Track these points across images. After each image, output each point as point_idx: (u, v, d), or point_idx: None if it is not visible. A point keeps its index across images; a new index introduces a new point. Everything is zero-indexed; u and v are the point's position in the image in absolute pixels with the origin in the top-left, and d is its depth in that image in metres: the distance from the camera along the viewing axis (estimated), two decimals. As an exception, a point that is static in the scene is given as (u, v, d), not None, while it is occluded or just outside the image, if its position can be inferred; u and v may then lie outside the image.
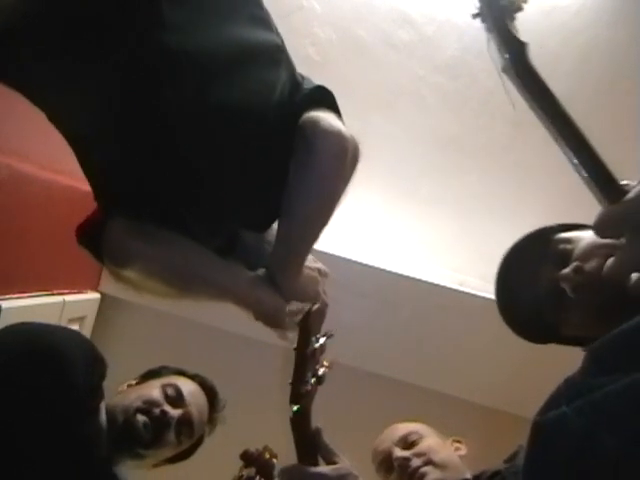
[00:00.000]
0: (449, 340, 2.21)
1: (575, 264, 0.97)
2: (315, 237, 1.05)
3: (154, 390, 1.43)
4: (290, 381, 1.01)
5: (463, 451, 1.49)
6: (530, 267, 1.05)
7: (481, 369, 2.18)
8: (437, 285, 2.26)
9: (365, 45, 2.45)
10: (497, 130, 2.41)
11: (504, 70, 0.75)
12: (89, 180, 1.06)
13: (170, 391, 1.44)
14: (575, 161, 0.71)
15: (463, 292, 2.24)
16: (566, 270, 0.98)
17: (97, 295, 2.30)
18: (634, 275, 0.62)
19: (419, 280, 2.26)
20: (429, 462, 1.38)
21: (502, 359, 2.09)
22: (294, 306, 1.08)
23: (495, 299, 1.13)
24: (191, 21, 0.97)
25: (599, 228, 0.67)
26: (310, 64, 2.30)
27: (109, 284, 2.18)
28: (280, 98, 1.04)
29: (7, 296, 1.68)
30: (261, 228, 1.14)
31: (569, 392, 0.60)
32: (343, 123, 1.04)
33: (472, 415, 2.25)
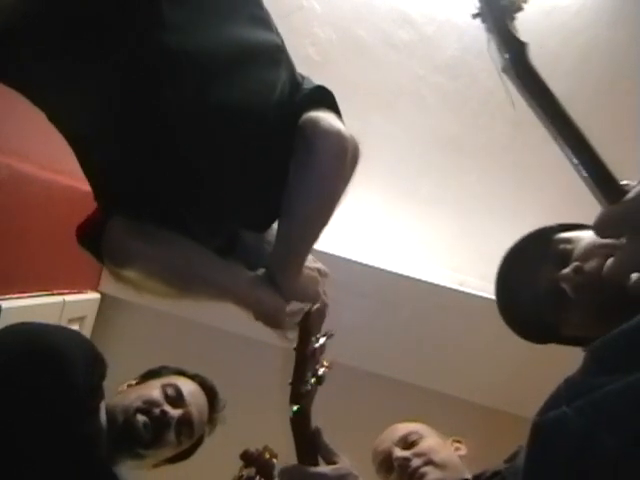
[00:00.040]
0: (449, 340, 2.21)
1: (575, 264, 0.97)
2: (315, 237, 1.05)
3: (154, 390, 1.43)
4: (290, 381, 1.01)
5: (463, 451, 1.49)
6: (530, 267, 1.05)
7: (481, 369, 2.18)
8: (437, 285, 2.26)
9: (365, 45, 2.45)
10: (497, 130, 2.41)
11: (504, 70, 0.75)
12: (89, 180, 1.06)
13: (170, 391, 1.44)
14: (575, 161, 0.72)
15: (463, 292, 2.24)
16: (566, 270, 0.98)
17: (97, 295, 2.30)
18: (634, 275, 0.62)
19: (419, 280, 2.26)
20: (429, 462, 1.38)
21: (502, 359, 2.09)
22: (294, 306, 1.08)
23: (495, 299, 1.13)
24: (191, 21, 0.97)
25: (599, 228, 0.67)
26: (310, 64, 2.30)
27: (109, 284, 2.18)
28: (280, 98, 1.04)
29: (7, 296, 1.68)
30: (261, 228, 1.14)
31: (569, 392, 0.60)
32: (343, 123, 1.04)
33: (472, 415, 2.25)
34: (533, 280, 1.04)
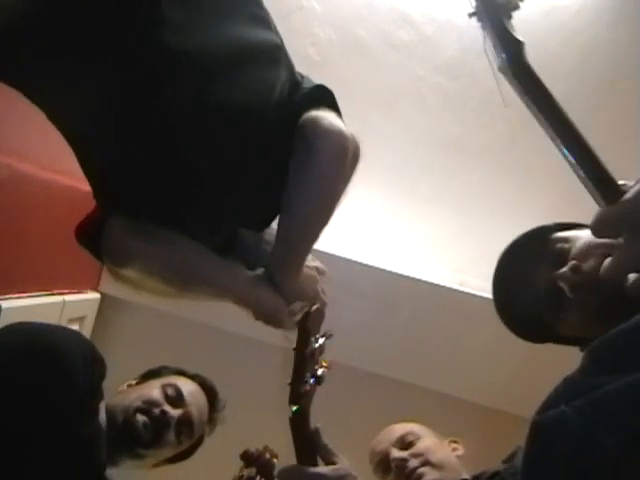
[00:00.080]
0: (449, 340, 2.21)
1: (572, 263, 0.96)
2: (315, 237, 1.05)
3: (154, 390, 1.43)
4: (289, 381, 1.01)
5: (460, 451, 1.49)
6: (527, 266, 1.05)
7: (481, 369, 2.18)
8: (437, 285, 2.26)
9: (365, 45, 2.45)
10: (497, 130, 2.41)
11: (500, 69, 0.75)
12: (89, 180, 1.06)
13: (170, 391, 1.44)
14: (572, 161, 0.71)
15: (463, 292, 2.24)
16: (564, 269, 0.97)
17: (97, 295, 2.30)
18: (631, 275, 0.62)
19: (419, 280, 2.26)
20: (426, 462, 1.38)
21: (502, 359, 2.08)
22: (294, 305, 1.08)
23: (493, 299, 1.12)
24: (191, 21, 0.97)
25: (596, 228, 0.67)
26: (310, 64, 2.29)
27: (109, 284, 2.18)
28: (280, 97, 1.04)
29: (7, 296, 1.68)
30: (260, 227, 1.14)
31: (568, 391, 0.60)
32: (343, 122, 1.04)
33: (471, 415, 2.24)
34: (530, 280, 1.03)
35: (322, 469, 1.02)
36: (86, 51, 0.94)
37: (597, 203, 0.70)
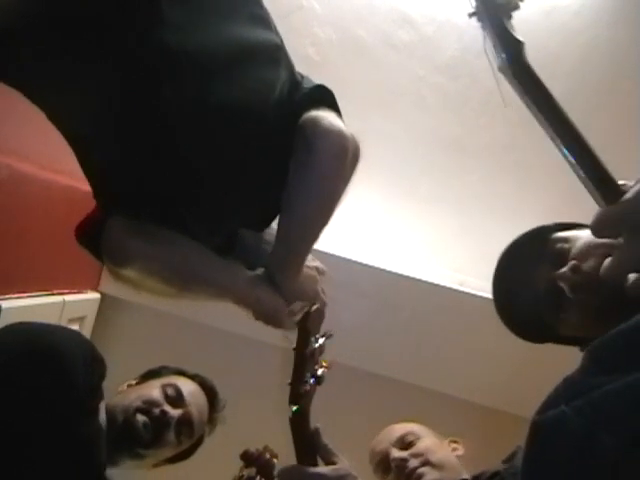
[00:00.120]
0: (449, 340, 2.21)
1: (572, 263, 0.96)
2: (315, 237, 1.05)
3: (154, 390, 1.43)
4: (289, 381, 1.01)
5: (460, 451, 1.49)
6: (527, 266, 1.05)
7: (481, 369, 2.18)
8: (437, 285, 2.26)
9: (365, 45, 2.45)
10: (498, 130, 2.41)
11: (500, 69, 0.75)
12: (89, 180, 1.06)
13: (170, 391, 1.44)
14: (572, 160, 0.71)
15: (463, 292, 2.24)
16: (563, 269, 0.97)
17: (97, 295, 2.30)
18: (631, 276, 0.62)
19: (419, 280, 2.26)
20: (426, 463, 1.38)
21: (502, 359, 2.08)
22: (294, 305, 1.08)
23: (493, 299, 1.12)
24: (191, 20, 0.97)
25: (596, 228, 0.67)
26: (310, 64, 2.29)
27: (109, 284, 2.18)
28: (280, 97, 1.04)
29: (7, 296, 1.68)
30: (260, 227, 1.14)
31: (568, 391, 0.60)
32: (343, 122, 1.04)
33: (471, 415, 2.24)
34: (530, 280, 1.03)
35: (322, 469, 1.02)
36: (86, 51, 0.94)
37: (597, 203, 0.70)
